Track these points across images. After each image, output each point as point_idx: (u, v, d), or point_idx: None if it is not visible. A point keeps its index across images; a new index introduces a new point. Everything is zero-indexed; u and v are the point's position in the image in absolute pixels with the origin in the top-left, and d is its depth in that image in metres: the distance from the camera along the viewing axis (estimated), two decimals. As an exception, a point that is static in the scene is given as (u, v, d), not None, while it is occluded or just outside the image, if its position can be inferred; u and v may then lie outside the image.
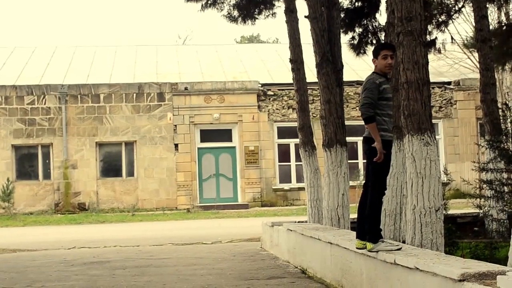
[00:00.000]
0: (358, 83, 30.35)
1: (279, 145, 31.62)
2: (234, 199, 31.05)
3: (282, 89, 31.35)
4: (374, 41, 16.81)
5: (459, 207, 18.63)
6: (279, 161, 31.57)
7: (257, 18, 17.63)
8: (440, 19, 18.23)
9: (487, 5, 15.74)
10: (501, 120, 14.04)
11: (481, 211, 13.65)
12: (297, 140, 16.22)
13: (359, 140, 29.51)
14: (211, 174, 31.17)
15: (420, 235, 7.90)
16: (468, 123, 32.05)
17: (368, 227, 7.47)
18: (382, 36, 15.79)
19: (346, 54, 15.63)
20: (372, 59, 7.73)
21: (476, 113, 30.81)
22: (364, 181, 7.82)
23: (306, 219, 14.20)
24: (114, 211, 29.45)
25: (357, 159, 30.64)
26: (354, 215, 9.99)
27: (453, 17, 18.87)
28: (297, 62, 14.29)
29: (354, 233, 8.08)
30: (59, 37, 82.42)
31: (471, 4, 16.39)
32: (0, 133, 29.91)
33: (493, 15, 20.66)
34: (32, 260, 13.59)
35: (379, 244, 7.31)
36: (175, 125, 30.70)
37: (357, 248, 7.70)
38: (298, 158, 24.75)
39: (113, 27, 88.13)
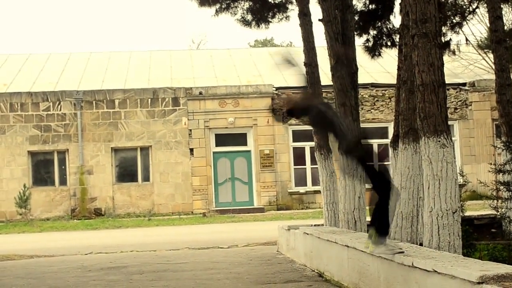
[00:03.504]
0: (373, 85, 30.25)
1: (294, 148, 31.60)
2: (250, 203, 31.06)
3: (297, 93, 31.25)
4: (389, 43, 16.80)
5: (476, 209, 18.56)
6: (295, 165, 31.57)
7: (270, 22, 17.61)
8: (454, 21, 18.17)
9: (502, 6, 15.66)
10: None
11: (498, 212, 13.56)
12: (312, 143, 16.19)
13: (374, 142, 29.60)
14: (227, 178, 31.21)
15: (437, 238, 7.87)
16: (483, 124, 31.90)
17: (381, 224, 7.38)
18: (396, 38, 15.77)
19: (360, 56, 15.61)
20: None
21: (491, 114, 30.68)
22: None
23: (322, 222, 14.17)
24: (130, 216, 29.53)
25: (372, 161, 30.50)
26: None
27: (467, 18, 18.83)
28: (311, 65, 14.23)
29: (372, 236, 8.04)
30: (73, 43, 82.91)
31: (485, 5, 16.32)
32: (16, 139, 30.07)
33: (507, 16, 20.62)
34: (49, 266, 13.63)
35: (380, 247, 7.27)
36: (190, 130, 30.74)
37: (366, 247, 7.64)
38: (313, 161, 24.71)
39: (127, 32, 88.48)
